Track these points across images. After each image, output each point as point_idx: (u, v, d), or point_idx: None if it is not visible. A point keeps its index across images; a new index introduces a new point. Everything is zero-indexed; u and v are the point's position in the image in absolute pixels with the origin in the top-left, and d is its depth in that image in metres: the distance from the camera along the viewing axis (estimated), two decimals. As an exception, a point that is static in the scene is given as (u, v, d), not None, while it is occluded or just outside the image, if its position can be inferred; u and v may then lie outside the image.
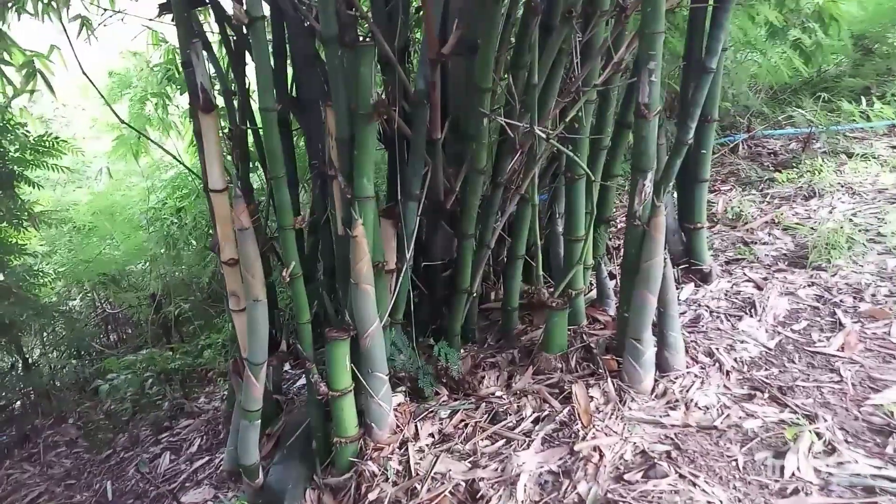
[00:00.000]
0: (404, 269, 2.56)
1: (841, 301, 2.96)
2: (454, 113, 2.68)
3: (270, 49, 2.54)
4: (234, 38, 2.65)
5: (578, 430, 2.33)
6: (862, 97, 5.01)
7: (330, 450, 2.46)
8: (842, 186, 4.12)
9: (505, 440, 2.37)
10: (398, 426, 2.47)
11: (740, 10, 4.83)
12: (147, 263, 5.03)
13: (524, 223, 2.72)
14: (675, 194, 3.38)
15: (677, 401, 2.44)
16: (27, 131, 3.87)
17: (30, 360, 4.91)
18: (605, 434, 2.30)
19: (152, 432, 3.73)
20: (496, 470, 2.25)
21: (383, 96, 2.31)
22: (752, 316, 2.93)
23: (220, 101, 2.52)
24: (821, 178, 4.21)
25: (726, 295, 3.14)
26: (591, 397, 2.47)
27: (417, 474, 2.28)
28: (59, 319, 4.67)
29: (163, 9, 2.66)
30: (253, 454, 2.42)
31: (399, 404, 2.57)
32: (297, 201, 2.95)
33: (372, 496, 2.26)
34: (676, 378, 2.54)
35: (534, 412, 2.47)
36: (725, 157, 4.97)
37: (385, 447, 2.41)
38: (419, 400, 2.64)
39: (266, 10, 2.27)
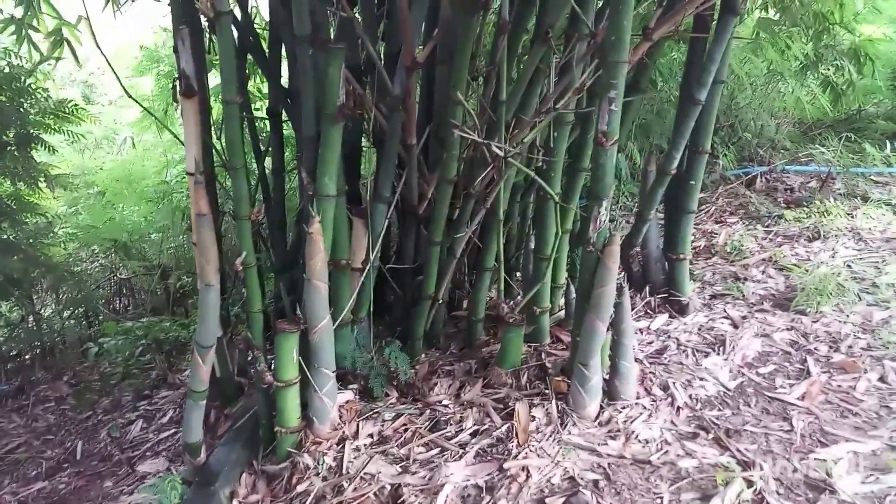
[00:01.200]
0: (366, 270, 2.60)
1: (815, 349, 2.90)
2: (437, 121, 2.70)
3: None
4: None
5: (513, 449, 2.34)
6: (889, 141, 4.87)
7: (274, 438, 2.51)
8: (849, 231, 4.01)
9: (440, 449, 2.40)
10: (341, 423, 2.52)
11: (770, 42, 4.76)
12: (160, 235, 5.18)
13: (491, 236, 2.73)
14: (663, 223, 3.35)
15: (619, 430, 2.43)
16: (48, 96, 4.01)
17: (41, 315, 5.11)
18: (538, 455, 2.31)
19: (132, 399, 3.84)
20: (423, 477, 2.27)
21: (367, 96, 2.35)
22: (719, 354, 2.89)
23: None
24: (830, 221, 4.11)
25: (699, 329, 3.10)
26: (534, 417, 2.48)
27: (347, 472, 2.32)
28: (68, 279, 4.83)
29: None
30: (196, 433, 2.49)
31: (347, 401, 2.61)
32: (282, 190, 3.01)
33: (300, 488, 2.31)
34: (624, 408, 2.52)
35: (474, 425, 2.49)
36: (739, 189, 4.88)
37: (324, 442, 2.45)
38: (369, 399, 2.68)
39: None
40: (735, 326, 3.11)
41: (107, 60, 3.35)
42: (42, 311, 5.11)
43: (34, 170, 4.16)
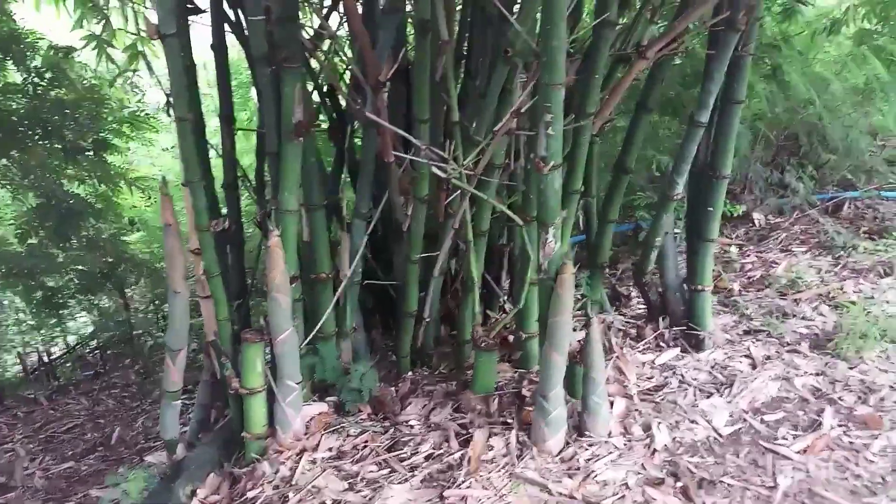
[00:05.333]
0: (344, 283, 2.63)
1: (839, 399, 2.60)
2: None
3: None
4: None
5: (459, 477, 2.27)
6: None
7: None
8: (932, 269, 3.57)
9: (390, 469, 2.37)
10: (305, 433, 2.55)
11: (870, 52, 4.34)
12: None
13: (477, 256, 2.68)
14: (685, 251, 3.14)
15: (578, 469, 2.29)
16: (123, 105, 4.38)
17: (128, 308, 5.56)
18: (483, 486, 2.23)
19: (178, 392, 4.09)
20: (365, 497, 2.26)
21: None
22: (723, 395, 2.67)
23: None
24: (910, 255, 3.67)
25: (712, 367, 2.86)
26: (491, 446, 2.39)
27: (296, 484, 2.35)
28: (149, 275, 5.23)
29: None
30: (171, 430, 2.62)
31: (320, 413, 2.65)
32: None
33: (251, 494, 2.37)
34: (592, 445, 2.38)
35: (431, 448, 2.44)
36: (820, 216, 4.46)
37: (285, 451, 2.50)
38: (343, 414, 2.70)
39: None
40: (753, 367, 2.84)
41: (151, 69, 3.61)
42: (129, 304, 5.56)
43: (113, 173, 4.53)
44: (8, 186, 4.72)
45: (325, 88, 3.00)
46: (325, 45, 2.75)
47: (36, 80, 4.20)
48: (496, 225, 3.01)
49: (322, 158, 2.87)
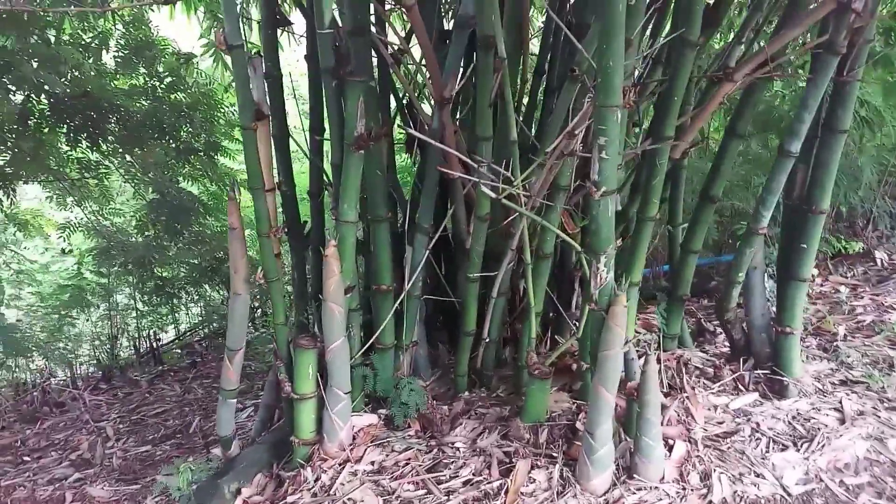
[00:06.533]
0: (402, 296, 2.62)
1: (939, 469, 2.31)
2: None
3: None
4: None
5: (495, 507, 2.20)
6: None
7: (296, 446, 2.63)
8: None
9: (426, 490, 2.32)
10: (351, 444, 2.55)
11: None
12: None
13: (538, 279, 2.59)
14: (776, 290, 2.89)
15: (622, 514, 2.16)
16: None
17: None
18: (517, 520, 2.14)
19: (259, 388, 4.23)
20: (397, 516, 2.23)
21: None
22: (800, 450, 2.43)
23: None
24: None
25: (793, 418, 2.62)
26: (533, 479, 2.29)
27: (334, 494, 2.35)
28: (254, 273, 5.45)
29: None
30: (226, 427, 2.69)
31: (368, 424, 2.64)
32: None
33: (291, 499, 2.39)
34: (640, 489, 2.23)
35: (471, 474, 2.37)
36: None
37: (329, 459, 2.51)
38: (391, 427, 2.68)
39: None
40: (842, 422, 2.58)
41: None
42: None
43: (222, 173, 4.78)
44: (131, 182, 5.07)
45: (405, 102, 3.02)
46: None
47: (156, 83, 4.49)
48: (570, 249, 2.90)
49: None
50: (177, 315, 6.35)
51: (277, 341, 2.60)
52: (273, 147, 2.66)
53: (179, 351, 6.11)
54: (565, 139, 2.03)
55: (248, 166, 2.32)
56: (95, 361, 5.57)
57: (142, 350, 5.85)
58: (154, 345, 5.79)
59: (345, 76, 2.21)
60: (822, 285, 4.07)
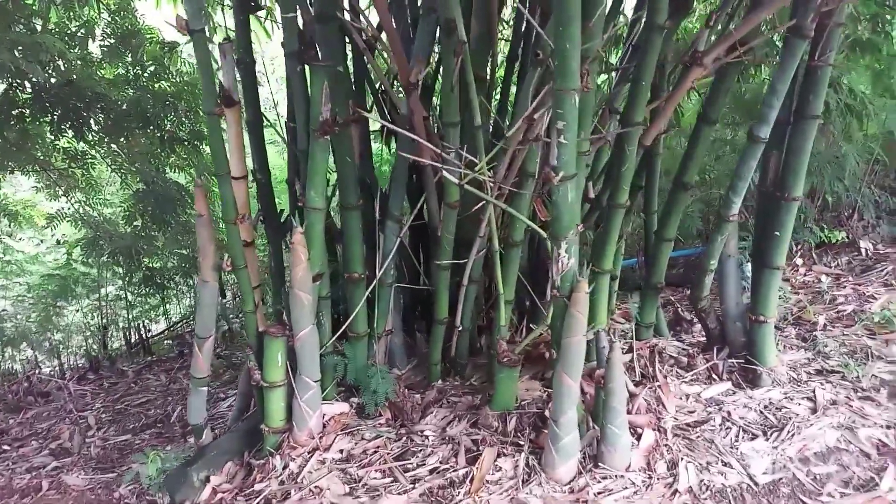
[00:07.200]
0: (373, 284, 2.61)
1: (908, 458, 2.30)
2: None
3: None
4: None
5: (459, 495, 2.19)
6: None
7: (267, 434, 2.63)
8: None
9: (392, 478, 2.32)
10: (321, 432, 2.55)
11: None
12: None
13: (508, 267, 2.57)
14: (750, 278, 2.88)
15: (586, 501, 2.14)
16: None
17: (224, 293, 5.83)
18: (480, 508, 2.14)
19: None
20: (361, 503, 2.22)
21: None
22: (769, 439, 2.42)
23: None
24: None
25: (765, 407, 2.61)
26: (499, 467, 2.29)
27: (301, 482, 2.35)
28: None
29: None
30: (198, 415, 2.69)
31: (340, 413, 2.64)
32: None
33: (258, 487, 2.39)
34: (605, 478, 2.22)
35: (438, 462, 2.37)
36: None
37: (298, 448, 2.51)
38: (363, 416, 2.67)
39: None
40: (813, 411, 2.56)
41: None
42: (224, 289, 5.83)
43: (207, 162, 4.75)
44: (118, 172, 5.06)
45: (380, 89, 3.00)
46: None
47: (139, 71, 4.47)
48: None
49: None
50: (167, 306, 6.36)
51: (247, 329, 2.59)
52: (247, 134, 2.65)
53: (170, 342, 6.12)
54: (525, 123, 2.01)
55: (213, 152, 2.31)
56: (85, 352, 5.58)
57: (132, 341, 5.86)
58: (143, 335, 5.80)
59: (309, 61, 2.19)
60: (805, 275, 4.05)
